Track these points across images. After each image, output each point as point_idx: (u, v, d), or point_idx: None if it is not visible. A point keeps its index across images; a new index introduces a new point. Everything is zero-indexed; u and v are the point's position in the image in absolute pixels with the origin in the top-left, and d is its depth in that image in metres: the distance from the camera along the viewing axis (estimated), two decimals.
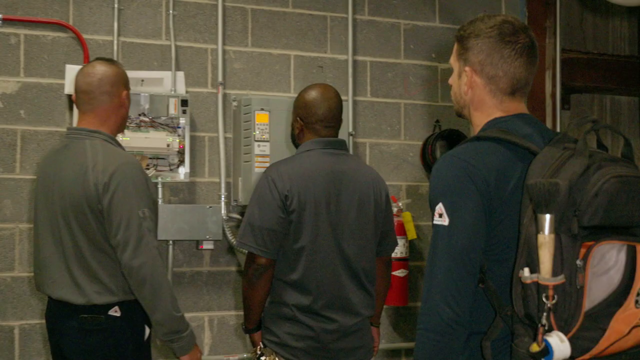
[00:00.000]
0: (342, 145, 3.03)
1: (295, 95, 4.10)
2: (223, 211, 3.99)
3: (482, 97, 2.00)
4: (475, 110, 2.03)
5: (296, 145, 3.06)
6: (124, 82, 2.77)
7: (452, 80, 2.12)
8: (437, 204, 1.83)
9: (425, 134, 4.50)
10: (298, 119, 2.98)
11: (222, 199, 4.06)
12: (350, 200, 2.91)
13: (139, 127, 3.86)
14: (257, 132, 3.91)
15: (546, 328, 1.66)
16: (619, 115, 5.30)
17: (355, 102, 4.37)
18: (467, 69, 2.01)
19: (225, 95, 4.11)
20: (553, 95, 4.78)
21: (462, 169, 1.82)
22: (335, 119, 3.00)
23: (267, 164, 3.86)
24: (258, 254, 2.82)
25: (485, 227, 1.80)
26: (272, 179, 2.85)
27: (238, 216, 4.09)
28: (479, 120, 2.02)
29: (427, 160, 4.42)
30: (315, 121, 2.96)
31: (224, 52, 4.12)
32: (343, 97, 4.24)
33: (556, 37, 4.77)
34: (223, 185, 4.07)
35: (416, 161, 4.49)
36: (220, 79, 4.09)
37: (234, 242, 2.94)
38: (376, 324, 3.16)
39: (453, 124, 4.53)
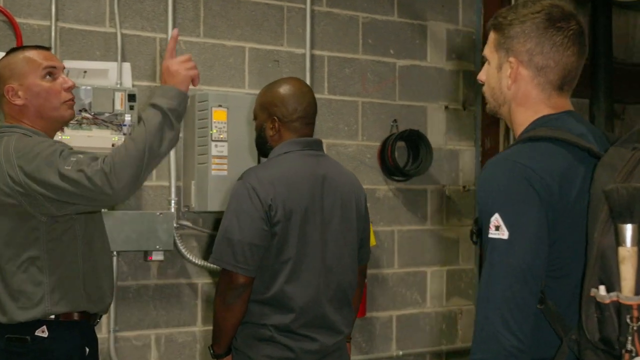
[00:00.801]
0: (320, 145, 2.76)
1: (251, 91, 3.86)
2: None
3: (528, 91, 1.79)
4: (518, 106, 1.80)
5: (266, 149, 2.73)
6: (6, 77, 2.33)
7: (488, 74, 1.87)
8: (492, 214, 1.61)
9: (383, 134, 4.26)
10: (275, 118, 2.64)
11: (173, 204, 3.67)
12: (333, 207, 2.65)
13: (80, 124, 3.43)
14: (215, 130, 3.55)
15: (633, 354, 1.48)
16: None
17: None
18: (511, 59, 1.79)
19: None
20: None
21: (521, 173, 1.62)
22: (314, 115, 2.73)
23: (226, 166, 3.54)
24: (238, 272, 2.48)
25: (547, 239, 1.60)
26: (252, 187, 2.51)
27: (189, 224, 3.73)
28: (523, 117, 1.80)
29: (387, 162, 4.18)
30: (296, 118, 2.65)
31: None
32: None
33: None
34: (173, 189, 3.69)
35: (374, 163, 4.24)
36: None
37: (209, 259, 2.59)
38: (349, 340, 2.90)
39: (410, 123, 4.31)
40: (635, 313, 1.46)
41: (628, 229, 1.48)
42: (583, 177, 1.65)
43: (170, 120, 2.16)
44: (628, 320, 1.46)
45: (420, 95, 4.41)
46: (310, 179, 2.61)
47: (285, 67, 4.01)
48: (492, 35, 1.88)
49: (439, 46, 4.48)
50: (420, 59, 4.42)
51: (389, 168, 4.19)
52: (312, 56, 4.06)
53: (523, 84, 1.79)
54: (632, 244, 1.47)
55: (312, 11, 4.06)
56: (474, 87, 4.60)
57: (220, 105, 3.57)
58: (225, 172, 3.56)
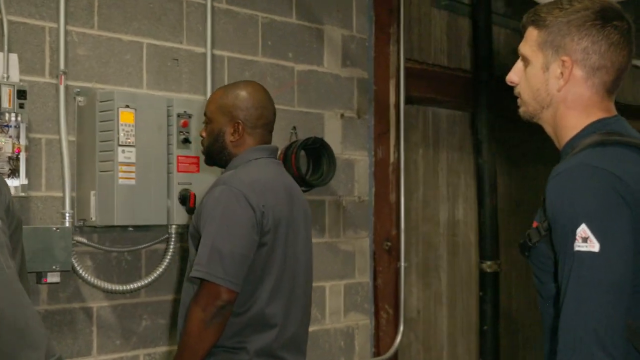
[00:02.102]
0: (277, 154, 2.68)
1: (149, 91, 3.48)
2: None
3: (580, 93, 1.70)
4: (569, 110, 1.70)
5: (223, 155, 2.57)
6: None
7: (529, 75, 1.76)
8: (577, 225, 1.50)
9: (282, 142, 4.01)
10: (238, 122, 2.51)
11: (67, 218, 3.20)
12: (299, 219, 2.54)
13: None
14: (122, 134, 3.14)
15: None
16: (439, 128, 5.26)
17: None
18: (565, 58, 1.68)
19: (67, 88, 3.26)
20: (396, 106, 4.57)
21: (606, 180, 1.53)
22: (274, 123, 2.64)
23: (134, 174, 3.16)
24: (227, 286, 2.24)
25: (636, 252, 1.51)
26: (242, 192, 2.33)
27: (85, 240, 3.27)
28: (576, 121, 1.70)
29: (290, 172, 3.93)
30: (261, 125, 2.55)
31: (66, 32, 3.27)
32: (200, 97, 3.67)
33: (399, 45, 4.57)
34: (67, 200, 3.21)
35: None
36: (62, 66, 3.23)
37: (191, 273, 2.27)
38: None
39: (308, 131, 4.10)
40: None
41: None
42: None
43: None
44: None
45: (318, 102, 4.22)
46: (282, 188, 2.48)
47: (185, 66, 3.66)
48: (532, 33, 1.75)
49: (335, 52, 4.32)
50: (317, 64, 4.23)
51: (294, 177, 3.95)
52: (213, 56, 3.74)
53: (576, 85, 1.70)
54: None
55: (213, 7, 3.74)
56: (367, 95, 4.49)
57: (127, 106, 3.16)
58: (133, 182, 3.16)
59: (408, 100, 4.69)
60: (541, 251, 1.67)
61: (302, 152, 4.03)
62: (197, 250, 2.36)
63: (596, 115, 1.70)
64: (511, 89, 5.50)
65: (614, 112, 1.72)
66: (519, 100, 1.80)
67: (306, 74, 4.17)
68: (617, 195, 1.51)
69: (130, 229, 3.40)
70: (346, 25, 4.39)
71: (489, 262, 4.71)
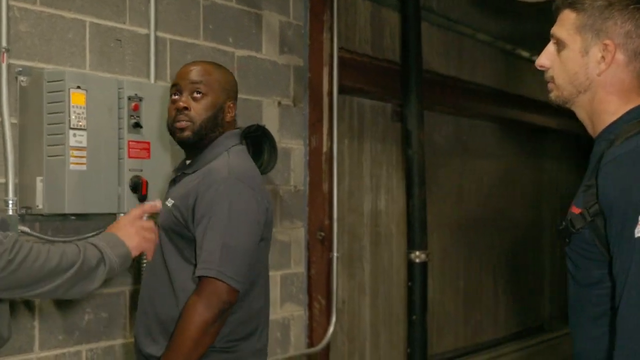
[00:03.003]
0: None
1: (92, 71, 3.30)
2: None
3: (621, 77, 1.69)
4: (609, 95, 1.69)
5: (212, 134, 2.43)
6: None
7: (565, 58, 1.73)
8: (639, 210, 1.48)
9: None
10: (234, 103, 2.50)
11: (10, 205, 2.98)
12: None
13: None
14: (73, 116, 2.95)
15: None
16: (363, 119, 5.28)
17: None
18: (607, 42, 1.67)
19: (9, 66, 3.04)
20: (329, 94, 4.55)
21: None
22: None
23: (85, 160, 2.99)
24: (236, 287, 2.15)
25: None
26: (249, 186, 2.26)
27: (27, 229, 3.06)
28: (615, 107, 1.69)
29: None
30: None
31: (8, 7, 3.04)
32: (144, 81, 3.52)
33: (333, 33, 4.54)
34: (11, 187, 2.99)
35: None
36: (4, 43, 3.00)
37: (197, 271, 2.13)
38: None
39: (247, 118, 4.00)
40: None
41: None
42: None
43: (98, 273, 1.89)
44: None
45: (257, 89, 4.13)
46: (260, 179, 2.47)
47: (128, 47, 3.48)
48: (569, 15, 1.71)
49: (273, 38, 4.24)
50: (256, 50, 4.14)
51: None
52: (157, 38, 3.59)
53: (617, 69, 1.68)
54: None
55: None
56: (303, 83, 4.44)
57: (78, 87, 2.97)
58: (84, 167, 2.98)
59: (340, 90, 4.67)
60: (584, 237, 1.64)
61: (249, 142, 3.92)
62: (176, 245, 2.26)
63: (636, 101, 1.69)
64: (440, 82, 5.56)
65: None
66: (550, 85, 1.77)
67: (246, 59, 4.07)
68: None
69: (73, 217, 3.21)
70: (284, 11, 4.32)
71: (417, 252, 4.76)
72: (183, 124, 2.36)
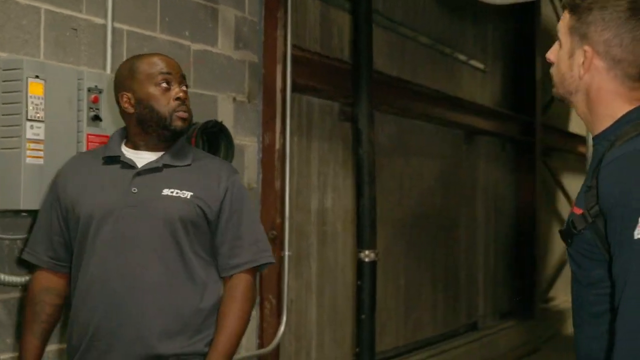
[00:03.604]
0: None
1: (47, 61, 3.16)
2: None
3: (604, 83, 1.69)
4: (599, 98, 1.70)
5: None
6: None
7: (556, 56, 1.75)
8: (639, 213, 1.48)
9: None
10: None
11: None
12: None
13: None
14: (31, 107, 2.81)
15: None
16: (312, 117, 5.24)
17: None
18: (586, 48, 1.68)
19: None
20: (283, 91, 4.49)
21: None
22: None
23: (42, 153, 2.86)
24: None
25: None
26: None
27: None
28: (610, 110, 1.69)
29: None
30: None
31: None
32: (103, 72, 3.39)
33: (287, 30, 4.49)
34: None
35: None
36: None
37: (261, 259, 2.43)
38: None
39: (202, 114, 3.91)
40: None
41: None
42: None
43: None
44: None
45: (212, 84, 4.04)
46: None
47: (84, 37, 3.35)
48: (566, 16, 1.73)
49: (228, 33, 4.15)
50: (212, 45, 4.05)
51: None
52: (114, 29, 3.46)
53: (598, 75, 1.69)
54: None
55: None
56: (257, 79, 4.36)
57: (37, 76, 2.84)
58: (41, 161, 2.84)
59: (292, 87, 4.62)
60: (586, 238, 1.64)
61: (205, 137, 3.83)
62: (191, 237, 2.29)
63: (628, 106, 1.67)
64: (385, 82, 5.58)
65: None
66: (553, 81, 1.79)
67: (201, 54, 3.98)
68: None
69: (24, 214, 3.05)
70: (239, 6, 4.24)
71: (367, 252, 4.75)
72: (185, 114, 2.35)
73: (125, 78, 2.37)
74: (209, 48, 4.03)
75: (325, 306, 5.31)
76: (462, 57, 7.49)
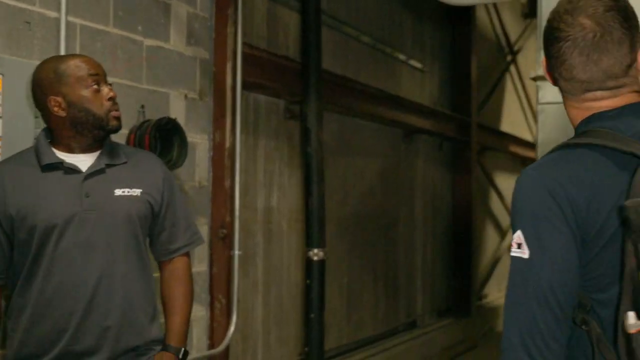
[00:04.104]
0: None
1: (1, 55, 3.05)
2: None
3: (563, 93, 1.68)
4: (566, 102, 1.67)
5: None
6: None
7: None
8: (515, 230, 1.52)
9: (130, 122, 3.73)
10: None
11: None
12: None
13: None
14: None
15: None
16: (258, 115, 5.21)
17: None
18: (542, 59, 1.71)
19: None
20: (233, 89, 4.45)
21: (544, 187, 1.49)
22: None
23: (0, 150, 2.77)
24: None
25: (577, 260, 1.48)
26: None
27: None
28: (574, 114, 1.65)
29: None
30: None
31: None
32: None
33: (237, 27, 4.45)
34: None
35: None
36: None
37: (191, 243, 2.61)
38: None
39: (155, 111, 3.86)
40: None
41: None
42: (625, 186, 1.46)
43: None
44: None
45: (165, 80, 3.98)
46: None
47: (38, 31, 3.25)
48: None
49: (180, 29, 4.09)
50: (164, 41, 3.99)
51: None
52: (67, 23, 3.37)
53: (559, 85, 1.66)
54: None
55: None
56: (208, 76, 4.32)
57: None
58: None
59: (242, 85, 4.58)
60: None
61: (158, 135, 3.77)
62: (144, 231, 2.42)
63: (586, 112, 1.61)
64: (330, 81, 5.61)
65: (622, 102, 1.57)
66: None
67: (154, 49, 3.91)
68: (552, 201, 1.48)
69: None
70: (191, 2, 4.19)
71: (316, 250, 4.75)
72: (118, 113, 2.40)
73: (51, 82, 2.32)
74: (161, 44, 3.96)
75: (272, 305, 5.30)
76: (402, 57, 7.56)
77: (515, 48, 11.24)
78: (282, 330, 5.42)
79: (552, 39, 1.58)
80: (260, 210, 5.19)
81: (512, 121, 11.21)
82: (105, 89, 2.36)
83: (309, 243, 4.82)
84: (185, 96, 4.13)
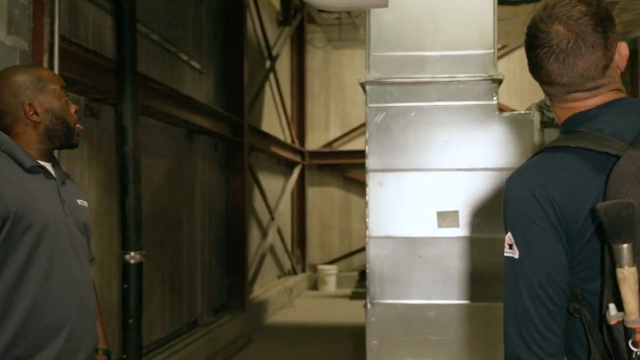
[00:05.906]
0: None
1: None
2: None
3: (548, 96, 1.78)
4: (551, 102, 1.77)
5: None
6: None
7: None
8: (506, 232, 1.63)
9: None
10: None
11: None
12: None
13: None
14: None
15: None
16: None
17: None
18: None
19: None
20: None
21: (528, 190, 1.59)
22: None
23: None
24: None
25: (564, 256, 1.58)
26: None
27: None
28: (558, 114, 1.73)
29: None
30: None
31: None
32: None
33: (54, 18, 4.18)
34: None
35: None
36: None
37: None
38: None
39: None
40: (638, 337, 1.39)
41: (623, 249, 1.40)
42: (601, 187, 1.53)
43: None
44: (631, 346, 1.40)
45: None
46: None
47: None
48: None
49: (1, 16, 3.76)
50: None
51: None
52: None
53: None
54: (629, 265, 1.40)
55: None
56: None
57: None
58: None
59: None
60: None
61: None
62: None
63: (569, 112, 1.69)
64: (148, 85, 5.45)
65: (602, 100, 1.65)
66: None
67: None
68: (536, 203, 1.58)
69: None
70: None
71: (133, 253, 4.61)
72: (81, 128, 2.45)
73: (28, 88, 2.33)
74: None
75: None
76: (184, 57, 7.52)
77: (274, 54, 11.61)
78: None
79: (530, 45, 1.67)
80: None
81: (272, 124, 11.57)
82: (70, 103, 2.42)
83: (125, 246, 4.65)
84: None
